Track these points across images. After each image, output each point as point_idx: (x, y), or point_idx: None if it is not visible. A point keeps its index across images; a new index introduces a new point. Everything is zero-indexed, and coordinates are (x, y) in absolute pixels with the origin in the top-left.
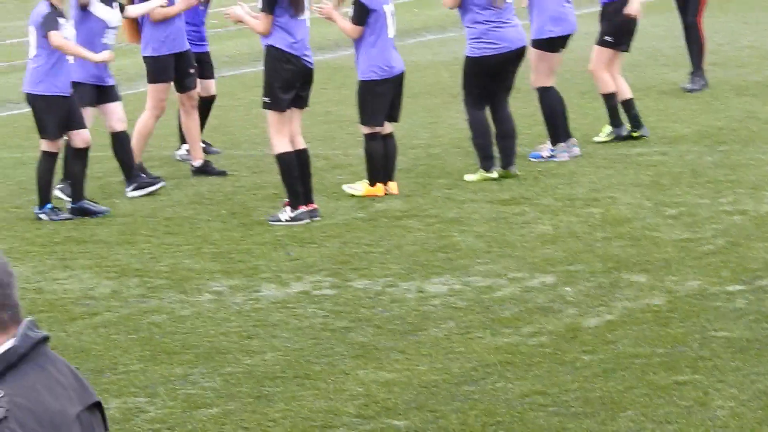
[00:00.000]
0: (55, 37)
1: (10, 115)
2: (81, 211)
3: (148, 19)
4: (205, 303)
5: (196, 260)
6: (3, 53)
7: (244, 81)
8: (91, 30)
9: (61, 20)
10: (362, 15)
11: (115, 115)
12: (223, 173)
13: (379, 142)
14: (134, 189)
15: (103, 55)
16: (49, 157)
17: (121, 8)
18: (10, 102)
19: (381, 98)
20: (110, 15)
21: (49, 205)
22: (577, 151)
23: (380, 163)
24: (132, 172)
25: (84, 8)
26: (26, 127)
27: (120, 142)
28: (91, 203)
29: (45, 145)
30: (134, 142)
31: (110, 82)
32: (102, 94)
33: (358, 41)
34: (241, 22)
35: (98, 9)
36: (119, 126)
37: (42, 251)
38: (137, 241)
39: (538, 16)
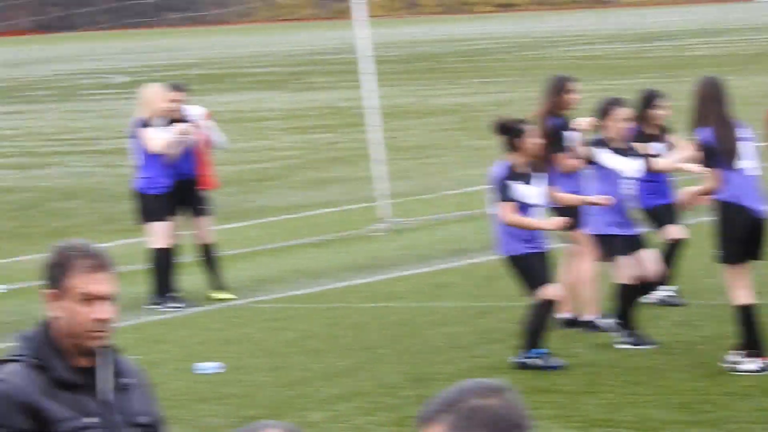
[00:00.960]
0: (504, 209)
1: (468, 264)
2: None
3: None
4: None
5: (661, 410)
6: (460, 202)
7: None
8: (606, 179)
9: (519, 186)
10: None
11: (646, 263)
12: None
13: None
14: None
15: (552, 223)
16: (545, 305)
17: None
18: (467, 250)
19: None
20: (625, 165)
21: (538, 351)
22: None
23: None
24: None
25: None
26: (481, 277)
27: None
28: (541, 356)
29: (541, 294)
30: (584, 292)
31: (631, 231)
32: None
33: None
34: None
35: (609, 158)
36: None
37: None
38: (601, 390)
39: None
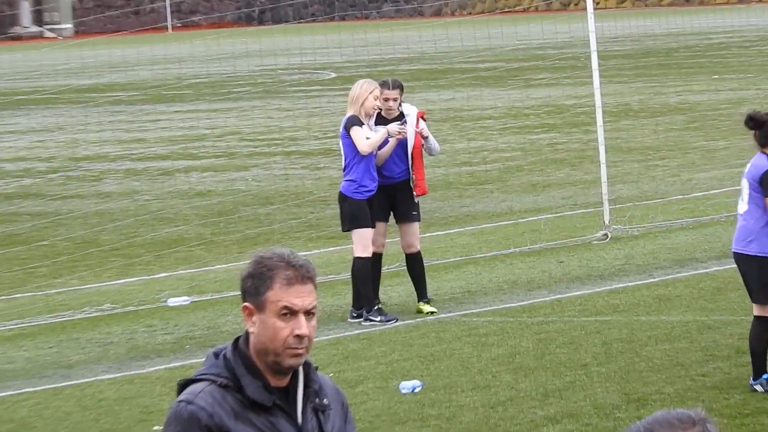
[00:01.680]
0: None
1: (695, 275)
2: None
3: None
4: None
5: None
6: (687, 207)
7: None
8: None
9: None
10: None
11: None
12: None
13: None
14: None
15: None
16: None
17: None
18: (694, 260)
19: None
20: None
21: (765, 376)
22: None
23: None
24: None
25: None
26: (709, 289)
27: None
28: None
29: (758, 310)
30: None
31: None
32: None
33: None
34: None
35: None
36: None
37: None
38: None
39: None
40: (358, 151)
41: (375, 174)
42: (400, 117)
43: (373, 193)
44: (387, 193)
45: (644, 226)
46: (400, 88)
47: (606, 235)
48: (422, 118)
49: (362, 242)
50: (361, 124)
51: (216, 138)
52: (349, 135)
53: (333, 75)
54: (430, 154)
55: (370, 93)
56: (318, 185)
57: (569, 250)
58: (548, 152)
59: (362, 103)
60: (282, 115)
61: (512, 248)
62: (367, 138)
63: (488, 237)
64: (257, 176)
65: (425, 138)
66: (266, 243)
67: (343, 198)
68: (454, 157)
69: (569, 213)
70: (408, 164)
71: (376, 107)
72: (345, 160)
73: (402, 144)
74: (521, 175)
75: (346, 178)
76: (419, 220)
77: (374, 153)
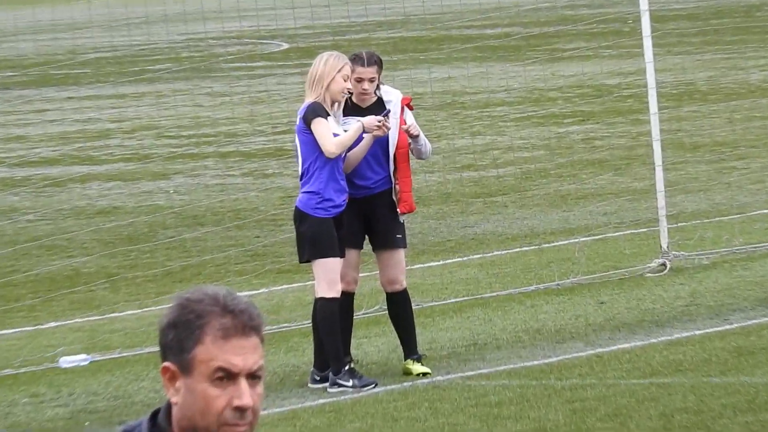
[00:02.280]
0: None
1: None
2: None
3: None
4: None
5: None
6: None
7: None
8: None
9: None
10: None
11: None
12: None
13: None
14: None
15: None
16: None
17: None
18: None
19: None
20: None
21: None
22: None
23: None
24: None
25: None
26: None
27: None
28: None
29: None
30: None
31: None
32: None
33: None
34: None
35: None
36: None
37: None
38: None
39: None
40: (321, 152)
41: (344, 183)
42: (379, 105)
43: (342, 209)
44: (361, 209)
45: (716, 252)
46: (378, 64)
47: (664, 264)
48: (408, 106)
49: (328, 277)
50: (326, 114)
51: (125, 135)
52: (310, 129)
53: (285, 46)
54: (420, 158)
55: (338, 71)
56: (266, 199)
57: (613, 285)
58: (583, 151)
59: (327, 86)
60: (215, 102)
61: (534, 284)
62: (334, 134)
63: (501, 269)
64: (182, 187)
65: (414, 137)
66: (195, 280)
67: (300, 216)
68: (452, 159)
69: (613, 234)
70: (389, 170)
71: (345, 91)
72: (303, 165)
73: (381, 142)
74: (546, 182)
75: (304, 190)
76: (405, 246)
77: (343, 155)
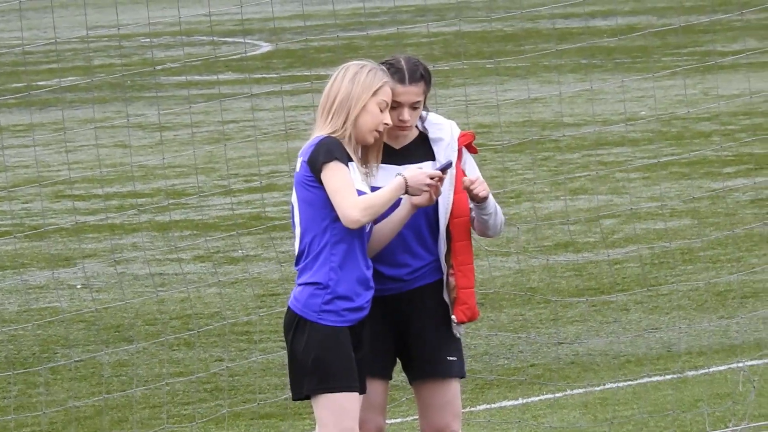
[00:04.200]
0: None
1: None
2: None
3: None
4: None
5: None
6: None
7: None
8: None
9: None
10: None
11: None
12: None
13: None
14: None
15: None
16: None
17: None
18: None
19: None
20: None
21: None
22: None
23: None
24: None
25: None
26: None
27: None
28: None
29: None
30: None
31: None
32: None
33: None
34: None
35: None
36: None
37: None
38: None
39: None
40: (336, 219)
41: (370, 272)
42: (422, 145)
43: (365, 314)
44: (391, 315)
45: None
46: (426, 79)
47: None
48: (469, 148)
49: (339, 423)
50: (347, 158)
51: None
52: (319, 181)
53: (264, 47)
54: (485, 234)
55: (374, 94)
56: (234, 298)
57: None
58: (753, 219)
59: (355, 118)
60: (149, 139)
61: None
62: (358, 192)
63: (618, 411)
64: (95, 279)
65: (480, 200)
66: None
67: (297, 324)
68: (538, 233)
69: None
70: (438, 252)
71: (383, 127)
72: (303, 239)
73: (427, 209)
74: (692, 271)
75: (303, 280)
76: (463, 375)
77: (369, 227)
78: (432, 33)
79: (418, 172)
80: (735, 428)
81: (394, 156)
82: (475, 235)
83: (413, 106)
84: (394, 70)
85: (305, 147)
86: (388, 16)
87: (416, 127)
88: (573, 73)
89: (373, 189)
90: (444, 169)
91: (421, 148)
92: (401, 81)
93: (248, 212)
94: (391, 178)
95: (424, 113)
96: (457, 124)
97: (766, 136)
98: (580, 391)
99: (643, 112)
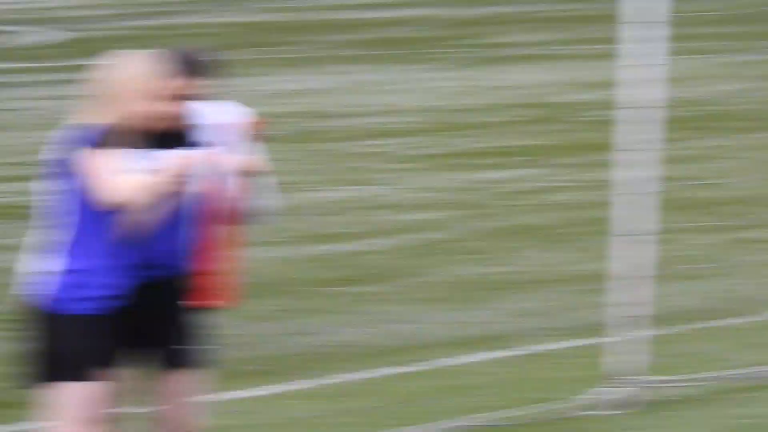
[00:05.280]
0: None
1: None
2: None
3: None
4: None
5: None
6: None
7: None
8: None
9: None
10: None
11: None
12: None
13: None
14: None
15: None
16: None
17: None
18: None
19: None
20: None
21: None
22: None
23: None
24: None
25: None
26: None
27: None
28: None
29: None
30: None
31: None
32: None
33: None
34: None
35: None
36: None
37: None
38: None
39: None
40: (92, 205)
41: (127, 256)
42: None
43: (117, 302)
44: (139, 302)
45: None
46: (199, 69)
47: (618, 396)
48: (249, 132)
49: (74, 410)
50: (113, 145)
51: None
52: (79, 168)
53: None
54: (260, 216)
55: (146, 82)
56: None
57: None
58: (514, 212)
59: (127, 104)
60: None
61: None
62: (122, 176)
63: (358, 401)
64: None
65: (241, 181)
66: None
67: (40, 310)
68: (308, 224)
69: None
70: (187, 238)
71: (154, 115)
72: (58, 225)
73: (179, 198)
74: (448, 261)
75: (55, 267)
76: (209, 365)
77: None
78: (211, 23)
79: (175, 157)
80: (484, 422)
81: (160, 142)
82: (239, 224)
83: (185, 96)
84: (168, 59)
85: (66, 134)
86: (173, 7)
87: (186, 114)
88: (351, 64)
89: (138, 176)
90: (199, 156)
91: (185, 136)
92: (175, 70)
93: (20, 201)
94: (154, 164)
95: (195, 101)
96: (227, 113)
97: (524, 129)
98: (327, 382)
99: (416, 105)
